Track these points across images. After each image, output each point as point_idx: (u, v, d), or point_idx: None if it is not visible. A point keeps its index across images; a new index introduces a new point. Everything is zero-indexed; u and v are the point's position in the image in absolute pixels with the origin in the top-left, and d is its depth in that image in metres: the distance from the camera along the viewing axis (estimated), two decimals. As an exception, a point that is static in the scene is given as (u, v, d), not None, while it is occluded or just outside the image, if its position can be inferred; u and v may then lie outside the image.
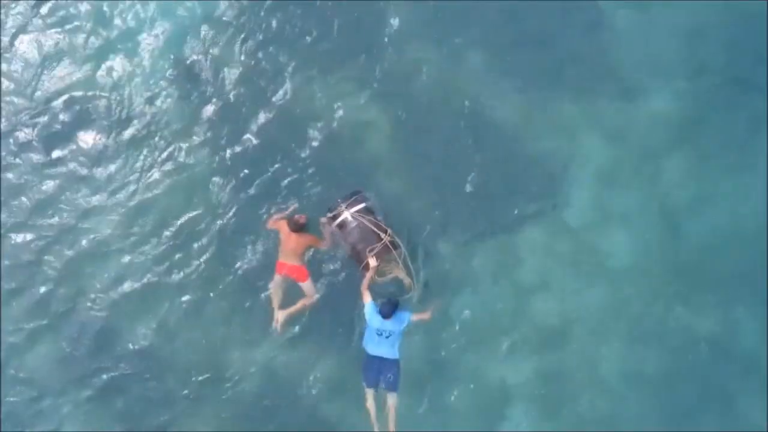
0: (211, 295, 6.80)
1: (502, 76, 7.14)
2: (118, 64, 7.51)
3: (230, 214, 7.02)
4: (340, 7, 7.40)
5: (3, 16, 7.57)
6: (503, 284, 6.85)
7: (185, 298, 6.78)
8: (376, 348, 5.88)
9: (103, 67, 7.44)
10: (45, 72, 7.49)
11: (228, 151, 7.19)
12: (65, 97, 7.43)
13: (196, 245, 6.94)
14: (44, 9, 7.61)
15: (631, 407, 6.60)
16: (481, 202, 6.94)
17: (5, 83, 7.43)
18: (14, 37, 7.57)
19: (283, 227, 6.33)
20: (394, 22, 7.30)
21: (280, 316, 6.34)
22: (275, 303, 6.39)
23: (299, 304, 6.38)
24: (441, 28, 7.24)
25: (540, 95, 6.99)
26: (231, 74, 7.41)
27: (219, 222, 6.99)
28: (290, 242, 6.26)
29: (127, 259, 6.93)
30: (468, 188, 6.93)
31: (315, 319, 6.67)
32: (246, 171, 7.10)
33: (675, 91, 6.89)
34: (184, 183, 7.14)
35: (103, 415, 6.62)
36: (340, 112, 7.10)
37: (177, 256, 6.90)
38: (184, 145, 7.24)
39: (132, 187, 7.10)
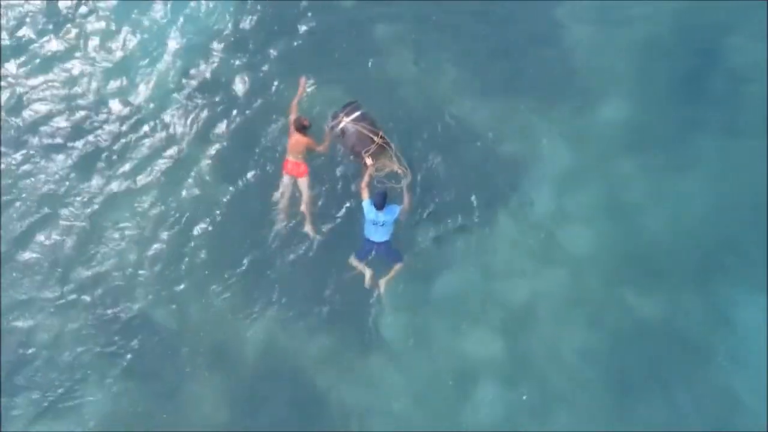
0: (219, 271, 7.64)
1: (475, 87, 8.02)
2: (132, 72, 8.41)
3: (231, 197, 7.86)
4: (334, 31, 8.28)
5: (27, 30, 8.44)
6: (474, 271, 7.65)
7: (194, 275, 7.60)
8: (373, 235, 6.94)
9: (116, 74, 8.33)
10: (55, 77, 8.36)
11: (228, 137, 8.06)
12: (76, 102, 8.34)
13: (203, 227, 7.79)
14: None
15: (586, 382, 7.36)
16: (454, 199, 7.78)
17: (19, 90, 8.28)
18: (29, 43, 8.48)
19: (290, 128, 7.33)
20: (380, 38, 8.20)
21: (286, 212, 7.46)
22: (282, 204, 7.46)
23: (303, 201, 7.42)
24: (420, 45, 8.13)
25: (507, 104, 7.86)
26: (234, 82, 8.30)
27: (221, 209, 7.84)
28: (293, 140, 7.31)
29: (139, 238, 7.76)
30: (443, 185, 7.79)
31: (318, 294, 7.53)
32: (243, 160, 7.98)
33: (626, 100, 7.76)
34: (190, 170, 7.97)
35: (115, 385, 7.39)
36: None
37: (183, 238, 7.73)
38: (188, 134, 8.10)
39: (141, 175, 7.93)
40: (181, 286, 7.52)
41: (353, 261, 7.24)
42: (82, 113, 8.14)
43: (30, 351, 7.35)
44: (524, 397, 7.32)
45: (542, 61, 7.94)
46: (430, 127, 7.87)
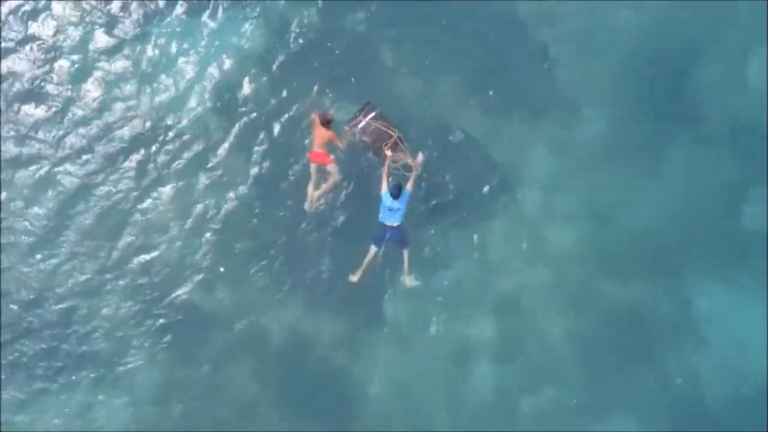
0: (251, 260, 8.75)
1: (472, 101, 9.08)
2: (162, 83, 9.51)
3: (261, 193, 8.97)
4: (350, 52, 9.34)
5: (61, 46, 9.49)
6: (471, 264, 8.75)
7: (228, 264, 8.72)
8: (388, 219, 8.01)
9: (163, 90, 9.43)
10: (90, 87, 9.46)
11: (258, 141, 9.17)
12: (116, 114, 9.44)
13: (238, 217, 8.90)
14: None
15: (567, 359, 8.45)
16: (453, 200, 8.87)
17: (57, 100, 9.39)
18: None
19: (316, 122, 8.39)
20: (390, 59, 9.29)
21: (313, 195, 8.52)
22: (310, 186, 8.55)
23: (328, 184, 8.54)
24: (425, 65, 9.20)
25: (500, 116, 8.95)
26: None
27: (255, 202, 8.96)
28: (318, 134, 8.38)
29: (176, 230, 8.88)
30: (444, 188, 8.89)
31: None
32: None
33: (604, 113, 8.84)
34: (225, 170, 9.11)
35: (160, 357, 8.52)
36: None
37: (219, 231, 8.85)
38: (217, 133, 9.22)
39: (182, 175, 9.04)
40: (217, 273, 8.65)
41: (370, 248, 8.25)
42: (136, 124, 9.24)
43: (92, 328, 8.48)
44: (512, 371, 8.45)
45: (530, 79, 9.01)
46: (432, 136, 8.94)
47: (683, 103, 8.81)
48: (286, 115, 9.29)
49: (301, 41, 9.45)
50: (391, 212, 8.03)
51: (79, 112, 9.33)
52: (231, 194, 9.00)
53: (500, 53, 9.18)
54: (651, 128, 8.86)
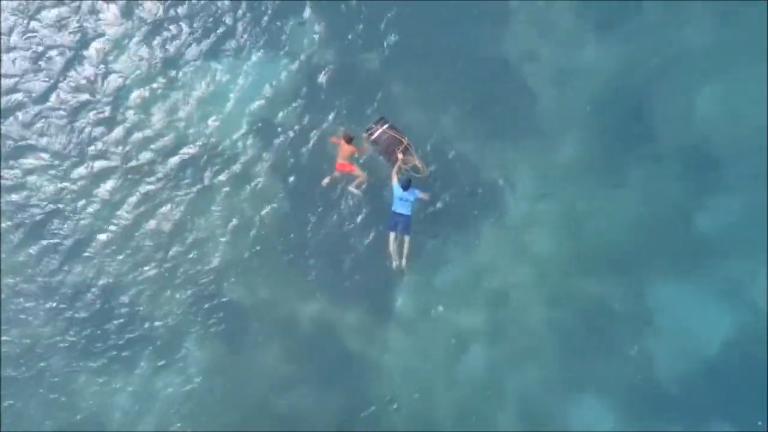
0: (283, 258, 10.52)
1: (468, 128, 10.79)
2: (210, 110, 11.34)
3: (296, 202, 10.74)
4: (362, 88, 11.09)
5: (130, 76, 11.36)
6: (466, 264, 10.44)
7: (264, 261, 10.50)
8: (399, 208, 9.69)
9: (206, 117, 11.26)
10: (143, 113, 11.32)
11: (291, 158, 10.98)
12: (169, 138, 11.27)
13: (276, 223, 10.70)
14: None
15: (546, 343, 10.10)
16: (451, 211, 10.58)
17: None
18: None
19: (341, 141, 10.20)
20: (397, 93, 11.05)
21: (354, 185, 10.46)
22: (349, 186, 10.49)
23: (356, 182, 10.41)
24: (428, 97, 10.93)
25: (490, 139, 10.66)
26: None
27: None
28: (344, 149, 10.21)
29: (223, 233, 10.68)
30: (444, 202, 10.61)
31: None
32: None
33: (577, 138, 10.52)
34: (265, 186, 10.90)
35: (207, 341, 10.27)
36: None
37: (255, 233, 10.64)
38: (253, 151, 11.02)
39: (225, 187, 10.86)
40: (255, 269, 10.44)
41: (389, 235, 9.88)
42: (191, 144, 11.07)
43: (153, 315, 10.32)
44: (501, 355, 10.12)
45: (515, 108, 10.70)
46: (434, 156, 10.66)
47: (641, 128, 10.46)
48: (312, 137, 11.05)
49: (324, 76, 11.22)
50: (401, 202, 9.70)
51: (144, 133, 11.19)
52: (268, 201, 10.81)
53: (491, 87, 10.88)
54: (615, 149, 10.52)
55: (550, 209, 10.51)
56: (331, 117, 11.01)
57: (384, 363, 10.17)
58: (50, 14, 11.59)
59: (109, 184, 10.93)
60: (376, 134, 10.30)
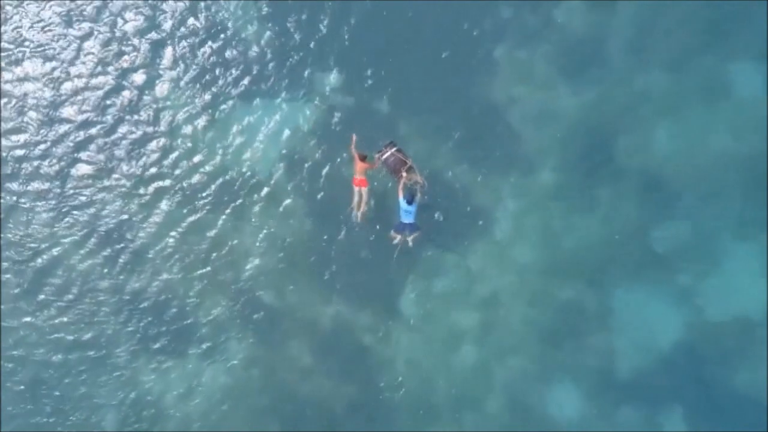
0: (307, 267, 12.59)
1: (460, 156, 12.79)
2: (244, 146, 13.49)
3: (317, 218, 12.83)
4: (372, 122, 13.14)
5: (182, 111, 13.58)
6: (459, 272, 12.44)
7: (290, 269, 12.59)
8: (404, 218, 11.74)
9: (240, 152, 13.42)
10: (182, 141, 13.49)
11: (314, 177, 12.98)
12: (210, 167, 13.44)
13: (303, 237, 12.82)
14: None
15: (527, 339, 12.06)
16: (445, 228, 12.60)
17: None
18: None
19: (355, 158, 12.12)
20: (402, 127, 13.11)
21: (358, 210, 12.28)
22: (355, 203, 12.32)
23: (364, 205, 12.27)
24: (427, 129, 12.96)
25: (480, 166, 12.61)
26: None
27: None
28: (358, 166, 12.14)
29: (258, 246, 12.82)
30: (435, 217, 12.63)
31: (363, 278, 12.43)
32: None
33: (553, 164, 12.42)
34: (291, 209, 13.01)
35: (243, 338, 12.41)
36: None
37: (283, 245, 12.75)
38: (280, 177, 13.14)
39: (255, 208, 12.98)
40: (283, 277, 12.53)
41: (392, 233, 12.00)
42: (226, 171, 13.20)
43: (193, 315, 12.47)
44: (489, 349, 12.12)
45: (503, 141, 12.63)
46: (433, 179, 12.66)
47: (607, 158, 12.34)
48: (331, 164, 13.12)
49: (342, 115, 13.31)
50: (406, 213, 11.69)
51: (191, 161, 13.29)
52: (294, 218, 12.83)
53: (480, 123, 12.84)
54: (585, 176, 12.41)
55: (530, 226, 12.46)
56: (347, 147, 13.08)
57: (390, 355, 12.22)
58: (117, 57, 13.78)
59: (163, 202, 13.08)
60: (385, 155, 12.35)
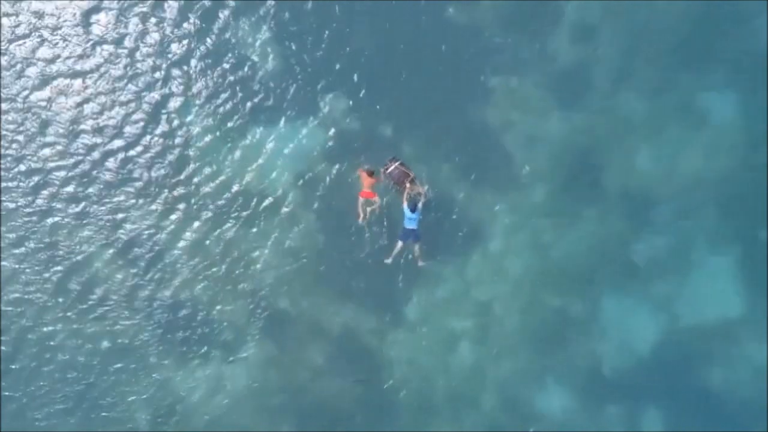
0: (319, 275, 13.76)
1: (458, 176, 13.99)
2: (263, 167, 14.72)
3: (331, 229, 14.04)
4: (378, 147, 14.42)
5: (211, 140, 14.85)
6: (456, 281, 13.61)
7: (304, 278, 13.77)
8: (409, 225, 12.87)
9: (261, 175, 14.62)
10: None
11: (326, 192, 14.16)
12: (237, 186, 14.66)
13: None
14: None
15: (519, 343, 13.24)
16: (446, 238, 13.82)
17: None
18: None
19: (363, 174, 13.32)
20: (406, 151, 14.33)
21: (363, 215, 13.49)
22: (360, 211, 13.53)
23: (373, 207, 13.49)
24: (429, 156, 14.19)
25: (476, 186, 13.82)
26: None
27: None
28: (366, 180, 13.34)
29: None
30: (439, 228, 13.84)
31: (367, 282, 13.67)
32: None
33: (541, 183, 13.59)
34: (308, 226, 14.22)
35: (259, 342, 13.64)
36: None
37: (299, 255, 13.93)
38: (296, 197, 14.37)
39: (272, 222, 14.17)
40: (296, 284, 13.75)
41: (398, 242, 13.21)
42: (244, 190, 14.38)
43: (216, 320, 13.73)
44: (487, 350, 13.31)
45: (497, 163, 13.80)
46: (434, 199, 13.91)
47: (593, 177, 13.57)
48: (340, 179, 14.19)
49: (348, 137, 14.49)
50: (410, 220, 12.87)
51: (208, 174, 14.39)
52: (306, 229, 13.88)
53: (478, 146, 13.99)
54: (573, 194, 13.62)
55: (522, 239, 13.64)
56: (354, 163, 14.26)
57: (394, 357, 13.41)
58: (142, 84, 15.01)
59: (182, 212, 14.13)
60: (390, 169, 13.59)
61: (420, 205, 12.96)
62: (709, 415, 12.70)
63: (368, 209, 13.66)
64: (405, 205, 12.96)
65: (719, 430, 12.48)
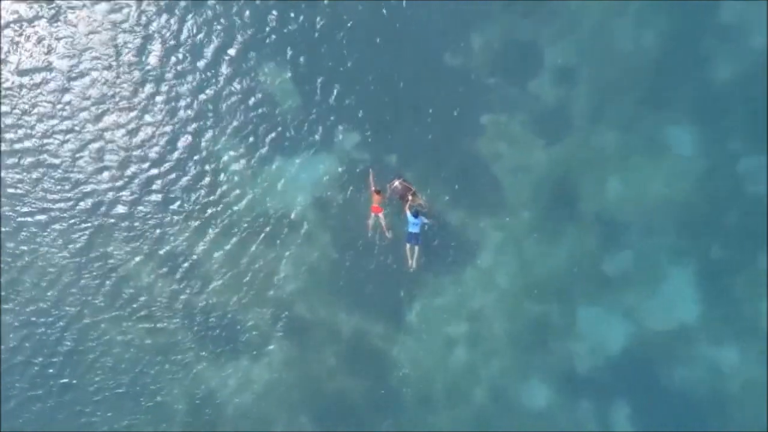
0: (333, 285, 15.91)
1: (452, 199, 16.13)
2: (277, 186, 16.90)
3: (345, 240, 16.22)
4: (382, 171, 16.61)
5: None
6: (451, 292, 15.69)
7: (319, 288, 15.94)
8: (412, 229, 15.18)
9: (278, 195, 16.82)
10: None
11: (340, 208, 16.47)
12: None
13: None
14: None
15: (506, 345, 15.27)
16: (440, 255, 15.92)
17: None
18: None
19: (373, 193, 15.45)
20: (408, 176, 16.48)
21: (372, 229, 15.67)
22: (370, 226, 15.74)
23: (381, 222, 15.63)
24: (429, 180, 16.32)
25: (468, 209, 15.96)
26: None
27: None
28: (375, 197, 15.52)
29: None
30: (436, 247, 15.95)
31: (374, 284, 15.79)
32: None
33: (524, 208, 15.72)
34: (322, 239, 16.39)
35: (280, 344, 15.75)
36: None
37: (315, 266, 16.11)
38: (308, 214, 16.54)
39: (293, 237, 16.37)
40: (313, 293, 15.88)
41: (406, 246, 15.40)
42: (265, 214, 16.60)
43: (242, 324, 15.87)
44: (476, 353, 15.37)
45: (488, 189, 15.93)
46: (432, 220, 16.03)
47: (571, 201, 15.69)
48: (350, 200, 16.44)
49: (358, 164, 16.61)
50: (413, 225, 15.12)
51: (233, 196, 16.68)
52: (321, 245, 16.13)
53: (472, 175, 16.08)
54: (552, 216, 15.74)
55: (509, 255, 15.73)
56: (365, 183, 16.34)
57: (398, 356, 15.49)
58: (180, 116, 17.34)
59: (214, 229, 16.35)
60: (394, 185, 15.78)
61: (420, 212, 15.18)
62: (670, 406, 14.66)
63: (377, 222, 15.83)
64: (408, 213, 15.14)
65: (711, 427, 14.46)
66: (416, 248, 15.44)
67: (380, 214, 15.72)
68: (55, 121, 17.11)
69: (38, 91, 17.25)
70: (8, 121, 17.17)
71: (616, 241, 15.48)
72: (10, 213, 16.75)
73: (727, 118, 15.64)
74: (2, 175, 16.88)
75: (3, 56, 17.42)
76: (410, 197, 15.35)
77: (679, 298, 15.08)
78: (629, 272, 15.32)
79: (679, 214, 15.46)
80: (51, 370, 15.99)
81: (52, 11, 17.58)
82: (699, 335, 14.89)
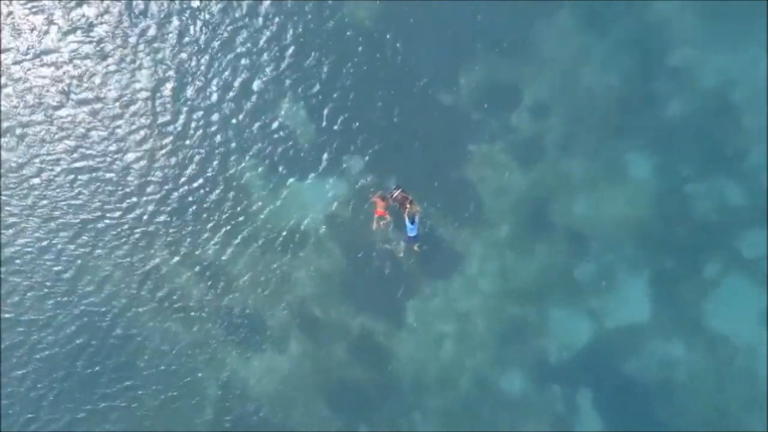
0: (342, 286, 18.58)
1: (445, 216, 18.84)
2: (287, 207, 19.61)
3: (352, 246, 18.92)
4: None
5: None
6: (444, 295, 18.35)
7: (331, 290, 18.63)
8: (410, 232, 17.09)
9: (289, 213, 19.51)
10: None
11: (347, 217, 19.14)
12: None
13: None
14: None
15: (492, 341, 17.92)
16: (432, 264, 18.61)
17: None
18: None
19: (377, 200, 18.00)
20: (415, 189, 19.16)
21: (377, 226, 18.26)
22: (374, 225, 18.32)
23: (385, 222, 18.29)
24: (427, 196, 19.01)
25: (457, 224, 18.67)
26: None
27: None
28: (379, 204, 18.09)
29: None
30: (427, 256, 18.63)
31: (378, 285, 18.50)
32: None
33: (510, 224, 18.42)
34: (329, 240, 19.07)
35: (289, 345, 18.48)
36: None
37: (325, 271, 18.81)
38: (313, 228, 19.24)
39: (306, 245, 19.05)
40: (325, 296, 18.55)
41: (403, 244, 18.06)
42: (284, 229, 19.29)
43: (262, 320, 18.55)
44: (467, 351, 18.06)
45: (472, 207, 18.53)
46: (424, 232, 18.72)
47: (545, 218, 18.34)
48: (358, 217, 19.13)
49: (361, 185, 19.25)
50: (411, 229, 17.54)
51: (259, 217, 19.37)
52: (328, 253, 18.76)
53: (460, 196, 18.71)
54: (528, 231, 18.35)
55: (491, 264, 18.31)
56: (370, 193, 18.99)
57: (397, 350, 18.11)
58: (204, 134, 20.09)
59: (238, 238, 18.88)
60: (395, 194, 18.31)
61: (417, 218, 17.74)
62: (626, 392, 17.27)
63: (381, 222, 18.45)
64: (406, 218, 17.71)
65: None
66: (414, 246, 18.10)
67: (385, 217, 18.22)
68: (108, 143, 19.76)
69: (92, 120, 19.99)
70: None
71: (583, 253, 18.13)
72: (73, 220, 19.36)
73: (678, 147, 18.35)
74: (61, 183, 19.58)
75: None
76: (408, 205, 17.86)
77: (636, 301, 17.53)
78: (594, 279, 17.89)
79: (636, 229, 18.07)
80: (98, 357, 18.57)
81: (106, 50, 20.40)
82: (652, 333, 17.38)
